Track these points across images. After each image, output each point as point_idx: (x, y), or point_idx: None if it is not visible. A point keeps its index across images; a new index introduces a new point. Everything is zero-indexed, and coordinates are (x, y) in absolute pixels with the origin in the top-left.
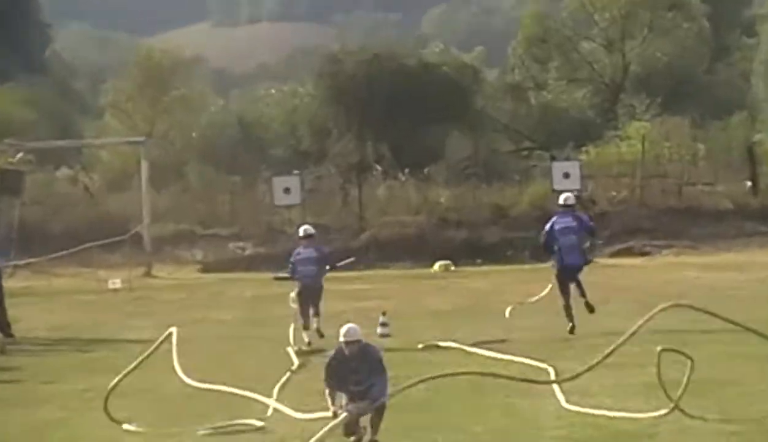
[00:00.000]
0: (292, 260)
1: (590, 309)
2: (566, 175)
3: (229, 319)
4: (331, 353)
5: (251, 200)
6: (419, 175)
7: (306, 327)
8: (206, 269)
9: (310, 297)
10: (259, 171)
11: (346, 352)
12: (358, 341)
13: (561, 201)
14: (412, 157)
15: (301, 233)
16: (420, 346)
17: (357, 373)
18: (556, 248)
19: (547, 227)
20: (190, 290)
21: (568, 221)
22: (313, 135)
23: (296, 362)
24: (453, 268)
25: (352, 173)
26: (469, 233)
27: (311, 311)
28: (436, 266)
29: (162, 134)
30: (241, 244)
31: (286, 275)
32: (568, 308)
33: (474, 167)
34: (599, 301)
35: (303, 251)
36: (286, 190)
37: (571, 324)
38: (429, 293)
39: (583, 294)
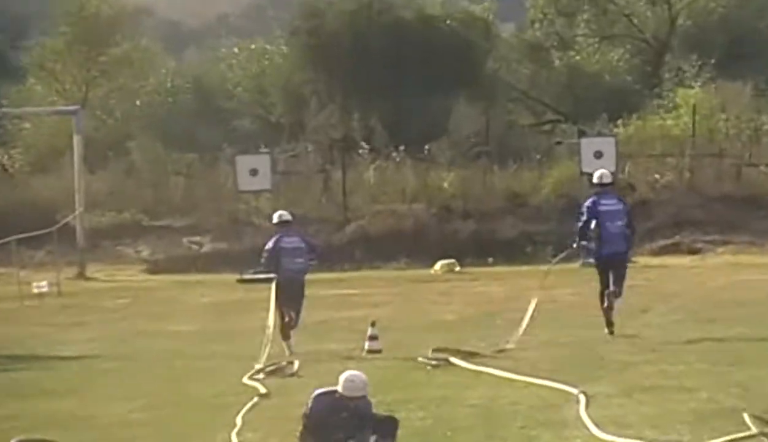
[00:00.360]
0: (269, 247)
1: (609, 316)
2: (598, 155)
3: (183, 331)
4: (309, 403)
5: (210, 185)
6: (418, 154)
7: (287, 336)
8: (154, 269)
9: (294, 296)
10: (221, 148)
11: (341, 406)
12: (364, 398)
13: (596, 179)
14: (408, 132)
15: (275, 218)
16: (427, 361)
17: (344, 430)
18: (594, 235)
19: (588, 203)
20: (135, 295)
21: (614, 203)
22: (286, 104)
23: (262, 389)
24: (458, 268)
25: (335, 152)
26: (478, 226)
27: (292, 315)
28: (438, 266)
29: (99, 102)
30: (197, 238)
31: (255, 276)
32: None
33: (485, 145)
34: (637, 309)
35: (288, 239)
36: (253, 172)
37: (611, 326)
38: (429, 299)
39: (619, 293)
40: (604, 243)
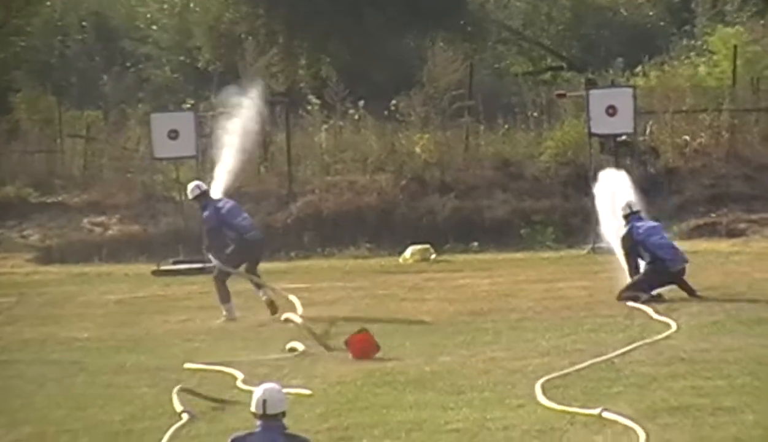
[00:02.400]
0: (208, 215)
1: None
2: (611, 111)
3: (84, 338)
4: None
5: (116, 150)
6: (382, 111)
7: (227, 299)
8: (46, 258)
9: (256, 260)
10: (130, 104)
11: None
12: (282, 415)
13: (624, 210)
14: (370, 83)
15: (195, 191)
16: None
17: None
18: (648, 258)
19: (623, 234)
20: (20, 292)
21: (648, 220)
22: (215, 48)
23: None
24: (434, 256)
25: (278, 109)
26: (460, 202)
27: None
28: (408, 252)
29: None
30: (101, 219)
31: (177, 267)
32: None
33: (468, 99)
34: (663, 308)
35: (224, 202)
36: (173, 135)
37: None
38: (396, 295)
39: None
40: (665, 258)
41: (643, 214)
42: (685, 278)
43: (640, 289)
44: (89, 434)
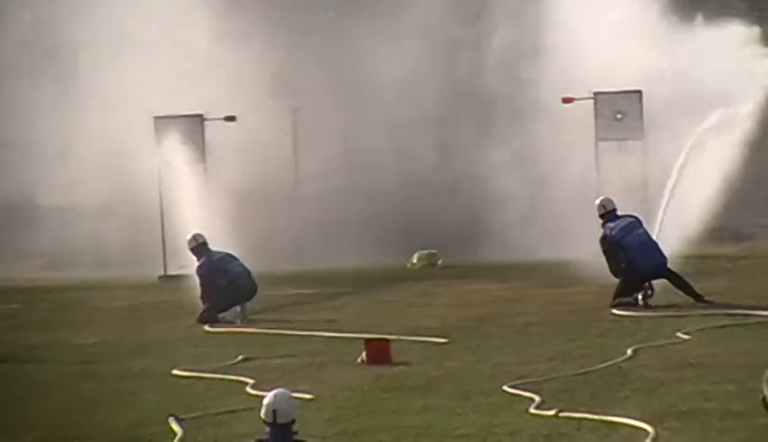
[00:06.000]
0: (200, 264)
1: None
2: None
3: (91, 343)
4: None
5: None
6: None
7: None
8: (53, 263)
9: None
10: None
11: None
12: (292, 423)
13: (599, 211)
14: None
15: (192, 243)
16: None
17: None
18: (623, 260)
19: (600, 238)
20: (26, 297)
21: (624, 219)
22: None
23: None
24: (440, 261)
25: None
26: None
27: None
28: (415, 257)
29: None
30: (109, 224)
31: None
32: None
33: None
34: (671, 312)
35: (220, 253)
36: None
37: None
38: (401, 301)
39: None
40: (635, 258)
41: (619, 212)
42: (688, 280)
43: (624, 296)
44: (96, 439)
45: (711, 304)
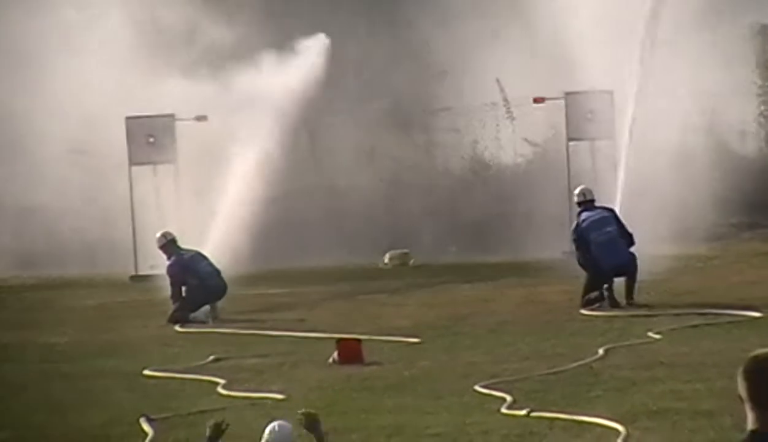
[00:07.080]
0: (170, 263)
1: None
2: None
3: (63, 343)
4: None
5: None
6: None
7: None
8: (24, 263)
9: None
10: None
11: None
12: None
13: (578, 198)
14: None
15: (161, 241)
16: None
17: None
18: (587, 255)
19: (572, 228)
20: None
21: (597, 213)
22: None
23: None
24: (413, 261)
25: None
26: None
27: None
28: (387, 257)
29: None
30: (80, 223)
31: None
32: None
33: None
34: (641, 312)
35: (190, 252)
36: (151, 140)
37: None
38: (374, 301)
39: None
40: (596, 256)
41: (597, 203)
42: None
43: (591, 292)
44: (67, 439)
45: (632, 306)
